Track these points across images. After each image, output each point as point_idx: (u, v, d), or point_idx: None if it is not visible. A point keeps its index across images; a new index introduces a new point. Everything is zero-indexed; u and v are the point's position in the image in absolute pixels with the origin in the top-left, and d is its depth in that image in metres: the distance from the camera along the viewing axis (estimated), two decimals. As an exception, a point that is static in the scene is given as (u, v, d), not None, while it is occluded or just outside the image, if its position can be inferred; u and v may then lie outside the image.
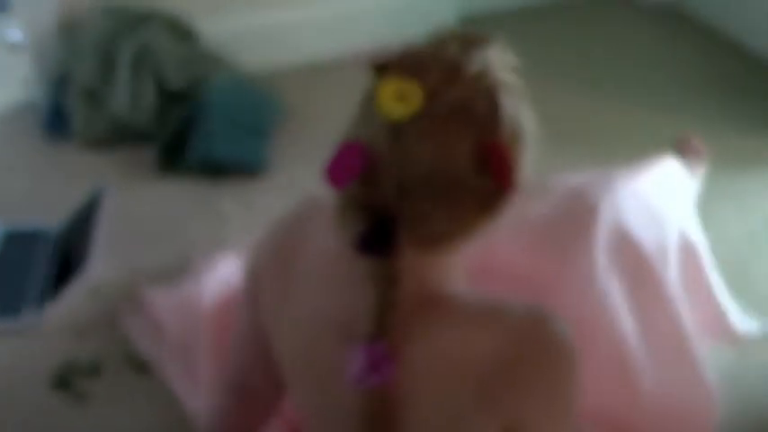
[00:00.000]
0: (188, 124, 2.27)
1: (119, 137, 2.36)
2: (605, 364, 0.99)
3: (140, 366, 1.69)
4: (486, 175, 0.84)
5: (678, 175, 1.61)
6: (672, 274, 1.40)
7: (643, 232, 1.37)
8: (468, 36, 0.89)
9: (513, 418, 0.90)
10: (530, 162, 0.89)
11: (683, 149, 2.08)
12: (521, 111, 0.88)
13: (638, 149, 2.34)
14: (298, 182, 2.24)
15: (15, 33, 2.79)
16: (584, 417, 1.01)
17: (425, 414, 0.91)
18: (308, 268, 1.01)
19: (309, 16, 2.74)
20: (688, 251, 1.48)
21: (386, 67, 0.87)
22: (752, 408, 1.65)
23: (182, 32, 2.49)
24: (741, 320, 1.71)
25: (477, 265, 1.00)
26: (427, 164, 0.83)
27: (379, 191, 0.85)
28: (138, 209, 2.14)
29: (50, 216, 2.07)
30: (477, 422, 0.90)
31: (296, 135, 2.44)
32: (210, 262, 1.86)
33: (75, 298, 1.83)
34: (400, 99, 0.82)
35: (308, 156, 2.34)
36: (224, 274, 1.83)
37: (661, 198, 1.47)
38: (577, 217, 1.36)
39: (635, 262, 1.35)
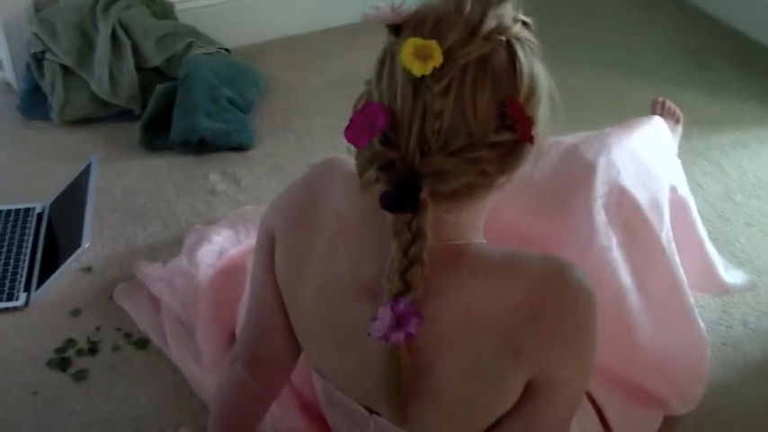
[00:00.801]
0: (169, 101, 2.25)
1: (100, 115, 2.35)
2: (605, 318, 1.02)
3: (139, 343, 1.70)
4: (506, 129, 0.86)
5: (665, 133, 1.65)
6: (666, 228, 1.43)
7: (639, 188, 1.40)
8: None
9: (540, 365, 0.93)
10: (544, 117, 0.92)
11: (660, 112, 2.12)
12: (537, 66, 0.90)
13: (612, 113, 2.39)
14: (284, 154, 2.26)
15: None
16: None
17: (453, 366, 0.94)
18: (326, 228, 1.03)
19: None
20: (679, 206, 1.52)
21: (401, 26, 0.89)
22: (737, 357, 1.71)
23: (158, 8, 2.48)
24: (728, 273, 1.76)
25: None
26: (447, 119, 0.85)
27: (401, 148, 0.87)
28: (126, 186, 2.14)
29: (33, 196, 2.06)
30: (505, 372, 0.93)
31: (279, 108, 2.45)
32: (203, 234, 1.87)
33: (68, 277, 1.83)
34: (420, 57, 0.83)
35: (292, 128, 2.37)
36: (217, 244, 1.85)
37: (653, 155, 1.51)
38: (575, 175, 1.39)
39: (632, 217, 1.39)
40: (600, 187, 1.36)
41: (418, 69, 0.83)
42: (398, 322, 0.89)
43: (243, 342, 1.23)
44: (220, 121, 2.22)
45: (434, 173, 0.86)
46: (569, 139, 1.46)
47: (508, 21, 0.88)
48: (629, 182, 1.39)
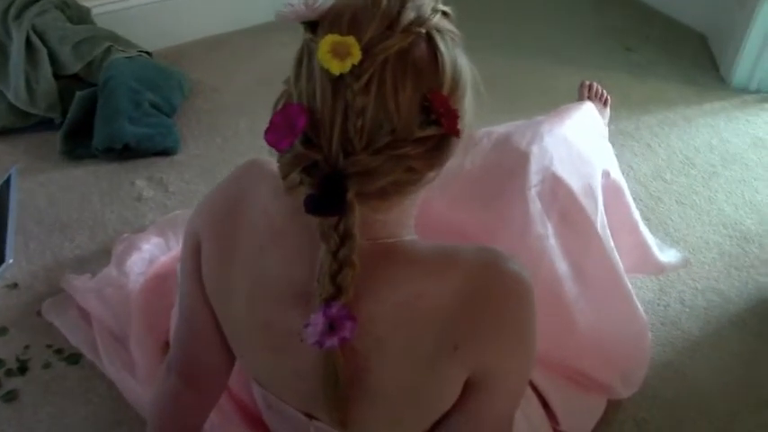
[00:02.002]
0: (90, 107, 2.18)
1: (19, 126, 2.26)
2: (543, 305, 1.01)
3: (71, 358, 1.64)
4: (430, 123, 0.84)
5: (596, 118, 1.65)
6: (601, 213, 1.43)
7: (573, 175, 1.39)
8: None
9: (479, 358, 0.91)
10: (471, 108, 0.90)
11: (586, 95, 2.14)
12: (459, 57, 0.88)
13: (541, 100, 2.42)
14: (211, 156, 2.20)
15: None
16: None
17: (391, 366, 0.92)
18: (254, 230, 1.00)
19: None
20: (613, 190, 1.52)
21: (317, 23, 0.86)
22: (676, 336, 1.73)
23: (74, 13, 2.39)
24: (663, 253, 1.78)
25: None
26: (370, 117, 0.82)
27: (323, 149, 0.84)
28: (49, 197, 2.06)
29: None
30: (445, 368, 0.91)
31: (204, 110, 2.40)
32: (131, 242, 1.82)
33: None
34: (338, 54, 0.80)
35: (218, 129, 2.32)
36: (147, 252, 1.79)
37: (585, 141, 1.50)
38: (508, 165, 1.38)
39: (568, 204, 1.38)
40: (533, 176, 1.35)
41: (336, 68, 0.80)
42: (332, 327, 0.86)
43: (175, 352, 1.19)
44: (144, 126, 2.15)
45: (360, 172, 0.83)
46: (500, 129, 1.45)
47: (427, 12, 0.86)
48: (563, 169, 1.38)
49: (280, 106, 0.88)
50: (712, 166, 2.23)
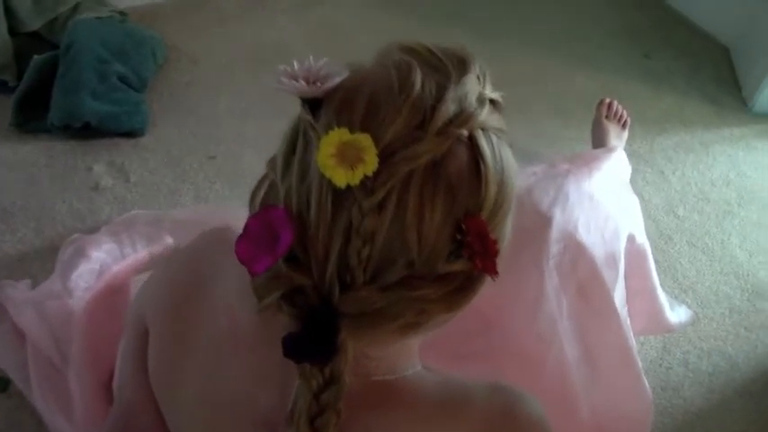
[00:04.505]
0: (50, 74, 1.93)
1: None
2: (546, 393, 0.84)
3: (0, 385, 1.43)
4: (460, 257, 0.63)
5: (624, 167, 1.45)
6: (621, 285, 1.25)
7: (597, 242, 1.20)
8: (438, 58, 0.66)
9: None
10: (510, 223, 0.69)
11: (606, 114, 1.94)
12: (506, 161, 0.67)
13: (553, 104, 2.21)
14: (182, 142, 1.97)
15: None
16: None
17: None
18: (214, 327, 0.79)
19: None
20: (636, 256, 1.34)
21: (320, 101, 0.64)
22: (677, 405, 1.57)
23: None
24: (673, 311, 1.61)
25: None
26: (381, 245, 0.61)
27: (313, 274, 0.63)
28: (-8, 178, 1.83)
29: None
30: None
31: (178, 84, 2.14)
32: (80, 248, 1.59)
33: None
34: (345, 160, 0.59)
35: (193, 108, 2.07)
36: (96, 261, 1.57)
37: (612, 198, 1.31)
38: (527, 228, 1.18)
39: (588, 278, 1.19)
40: (553, 245, 1.16)
41: (342, 178, 0.59)
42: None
43: (118, 407, 0.99)
44: (109, 103, 1.91)
45: (358, 314, 0.63)
46: (520, 177, 1.24)
47: (472, 104, 0.64)
48: (587, 236, 1.19)
49: (258, 202, 0.67)
50: (728, 203, 2.05)
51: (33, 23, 2.01)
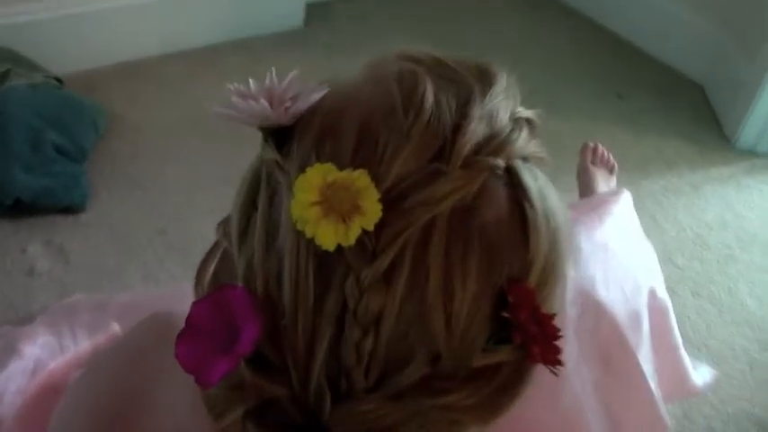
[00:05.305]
0: (-25, 148, 1.73)
1: None
2: None
3: None
4: (503, 342, 0.44)
5: (632, 209, 1.28)
6: (645, 345, 1.07)
7: (617, 299, 1.02)
8: (451, 68, 0.48)
9: None
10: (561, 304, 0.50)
11: (591, 159, 1.79)
12: (555, 206, 0.48)
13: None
14: (127, 216, 1.76)
15: None
16: None
17: None
18: None
19: (125, 3, 2.22)
20: (658, 313, 1.16)
21: (290, 131, 0.46)
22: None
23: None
24: (698, 373, 1.43)
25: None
26: (390, 333, 0.42)
27: (292, 380, 0.44)
28: None
29: None
30: None
31: (121, 154, 1.94)
32: (10, 343, 1.37)
33: None
34: (333, 209, 0.40)
35: (138, 179, 1.87)
36: (30, 359, 1.35)
37: (628, 247, 1.14)
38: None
39: (611, 343, 1.01)
40: (570, 309, 0.97)
41: (329, 238, 0.40)
42: None
43: None
44: (44, 176, 1.70)
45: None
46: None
47: (506, 124, 0.46)
48: (606, 293, 1.00)
49: (206, 282, 0.48)
50: (728, 247, 1.90)
51: (-43, 93, 1.81)
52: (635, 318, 1.05)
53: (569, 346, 0.96)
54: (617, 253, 1.08)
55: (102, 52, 2.20)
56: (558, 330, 0.46)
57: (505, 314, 0.43)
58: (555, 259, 0.47)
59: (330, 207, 0.40)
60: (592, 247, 1.04)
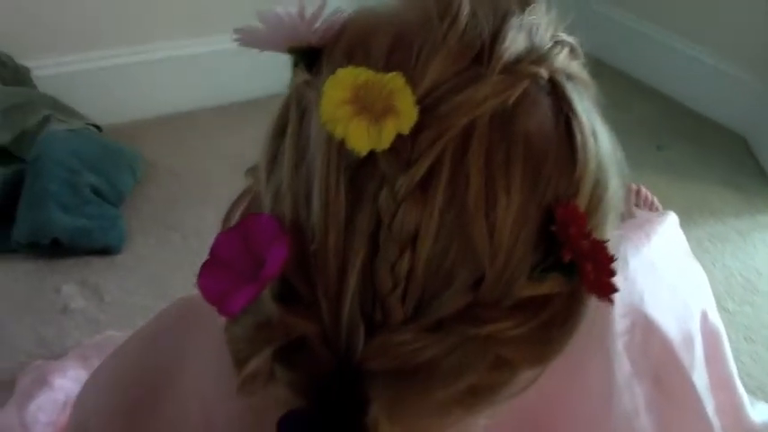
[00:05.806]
0: (15, 189, 1.74)
1: None
2: None
3: None
4: (553, 269, 0.40)
5: (680, 232, 1.23)
6: (699, 369, 1.01)
7: (668, 317, 0.97)
8: None
9: None
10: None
11: (634, 202, 1.74)
12: (598, 126, 0.45)
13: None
14: (164, 259, 1.75)
15: None
16: None
17: None
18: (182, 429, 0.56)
19: (166, 56, 2.26)
20: (711, 338, 1.10)
21: (319, 53, 0.43)
22: None
23: (9, 73, 1.97)
24: (756, 412, 1.35)
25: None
26: (429, 250, 0.39)
27: (323, 313, 0.40)
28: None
29: None
30: None
31: (159, 199, 1.95)
32: (42, 375, 1.35)
33: None
34: (365, 109, 0.37)
35: (175, 225, 1.86)
36: (61, 391, 1.33)
37: (676, 267, 1.09)
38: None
39: (663, 361, 0.95)
40: (620, 321, 0.92)
41: (362, 140, 0.37)
42: None
43: None
44: (81, 217, 1.71)
45: (396, 371, 0.39)
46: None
47: (545, 40, 0.44)
48: (656, 309, 0.95)
49: (235, 218, 0.45)
50: (779, 292, 1.83)
51: (1, 137, 1.83)
52: (687, 339, 1.00)
53: (619, 362, 0.92)
54: (665, 272, 1.03)
55: (141, 104, 2.24)
56: (612, 255, 0.42)
57: (553, 228, 0.39)
58: (605, 184, 0.44)
59: (362, 107, 0.37)
60: (640, 262, 0.99)
